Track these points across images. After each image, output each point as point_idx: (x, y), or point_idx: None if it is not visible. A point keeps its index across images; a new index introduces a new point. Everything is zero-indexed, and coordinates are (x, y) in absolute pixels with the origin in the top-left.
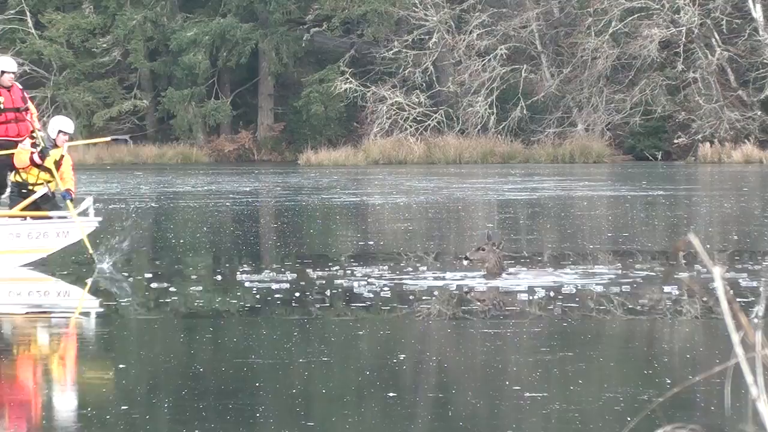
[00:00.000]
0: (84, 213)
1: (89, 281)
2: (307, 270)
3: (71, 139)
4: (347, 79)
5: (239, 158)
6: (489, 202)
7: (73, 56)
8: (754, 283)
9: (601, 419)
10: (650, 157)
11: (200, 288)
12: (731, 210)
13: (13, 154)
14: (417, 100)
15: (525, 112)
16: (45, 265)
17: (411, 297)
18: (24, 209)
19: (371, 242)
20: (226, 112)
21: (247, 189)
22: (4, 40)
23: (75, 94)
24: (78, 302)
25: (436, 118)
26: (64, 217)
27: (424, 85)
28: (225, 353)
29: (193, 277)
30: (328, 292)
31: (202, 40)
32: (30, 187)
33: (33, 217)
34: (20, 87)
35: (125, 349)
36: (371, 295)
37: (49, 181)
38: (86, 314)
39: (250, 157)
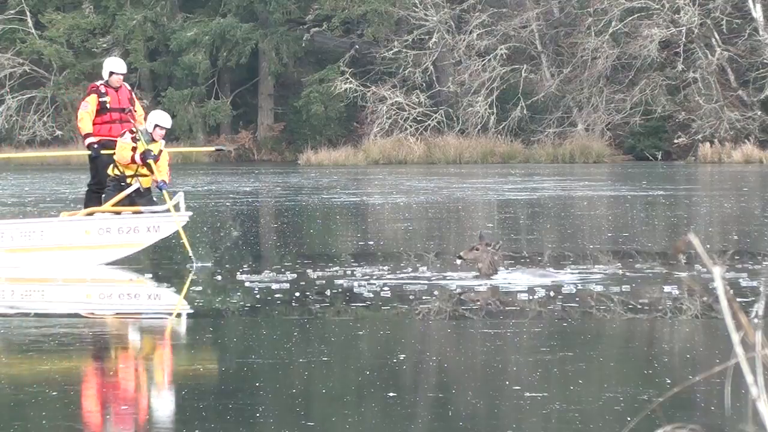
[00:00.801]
0: (175, 208)
1: (187, 278)
2: (307, 270)
3: (166, 134)
4: (347, 79)
5: (239, 158)
6: (489, 202)
7: (73, 56)
8: (754, 283)
9: (601, 419)
10: (650, 157)
11: (200, 288)
12: (731, 210)
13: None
14: (417, 100)
15: (525, 112)
16: (137, 264)
17: (411, 297)
18: (116, 204)
19: (371, 242)
20: (226, 112)
21: (248, 189)
22: (4, 40)
23: (75, 94)
24: (173, 301)
25: (436, 118)
26: (157, 212)
27: (424, 85)
28: (225, 353)
29: (193, 277)
30: (328, 292)
31: (202, 40)
32: (128, 180)
33: (118, 213)
34: (129, 88)
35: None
36: (371, 295)
37: (145, 176)
38: (179, 315)
39: (250, 157)
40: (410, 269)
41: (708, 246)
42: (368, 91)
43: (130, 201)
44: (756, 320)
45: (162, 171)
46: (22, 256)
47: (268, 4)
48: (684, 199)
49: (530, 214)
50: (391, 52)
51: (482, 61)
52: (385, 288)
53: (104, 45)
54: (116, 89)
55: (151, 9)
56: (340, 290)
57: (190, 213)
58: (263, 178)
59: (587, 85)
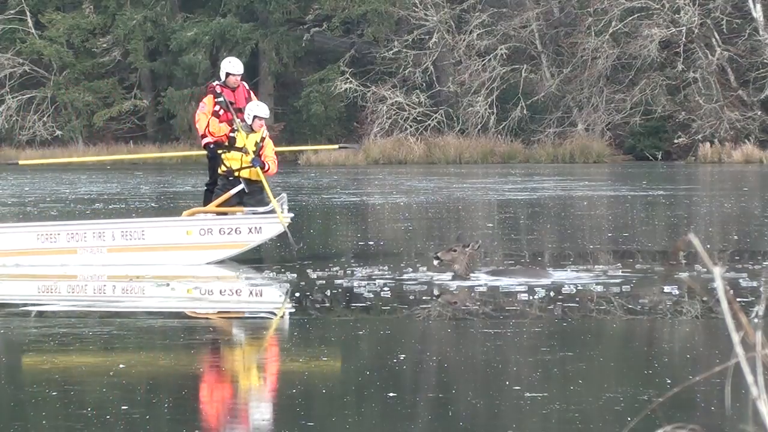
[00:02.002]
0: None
1: (288, 277)
2: (307, 270)
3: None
4: (347, 79)
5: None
6: (489, 202)
7: (73, 56)
8: (754, 283)
9: (601, 419)
10: (650, 157)
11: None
12: (731, 210)
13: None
14: (417, 100)
15: (525, 112)
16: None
17: (411, 297)
18: (220, 205)
19: (371, 242)
20: None
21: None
22: (4, 40)
23: (75, 94)
24: (275, 301)
25: (436, 118)
26: (259, 213)
27: (424, 85)
28: (225, 353)
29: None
30: (328, 292)
31: (202, 40)
32: (236, 174)
33: (223, 213)
34: (247, 87)
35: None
36: (371, 295)
37: (249, 166)
38: (280, 314)
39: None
40: (410, 269)
41: (708, 246)
42: (368, 91)
43: (238, 200)
44: (756, 320)
45: (268, 158)
46: (123, 255)
47: (268, 4)
48: (684, 199)
49: (530, 214)
50: (391, 52)
51: (482, 61)
52: (385, 288)
53: (104, 45)
54: (233, 89)
55: (151, 9)
56: (340, 290)
57: (292, 215)
58: None
59: (587, 85)
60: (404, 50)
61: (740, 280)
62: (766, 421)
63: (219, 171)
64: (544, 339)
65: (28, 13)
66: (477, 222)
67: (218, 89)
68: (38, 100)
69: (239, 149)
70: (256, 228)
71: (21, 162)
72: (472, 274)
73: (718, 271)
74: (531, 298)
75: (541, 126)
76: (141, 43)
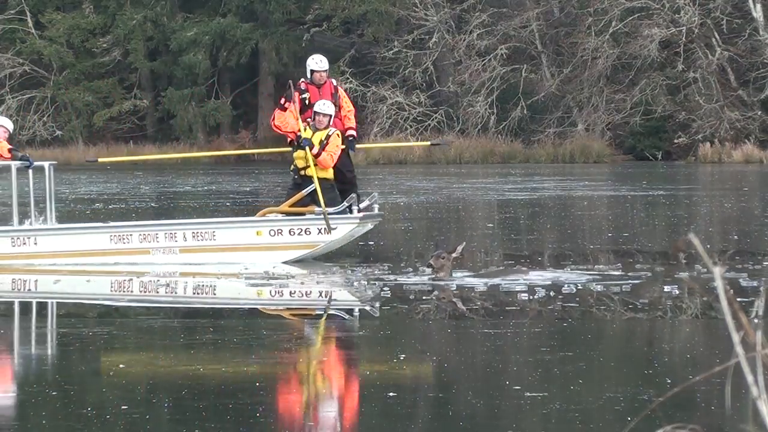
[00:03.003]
0: (368, 208)
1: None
2: (306, 270)
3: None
4: (347, 79)
5: (239, 158)
6: (489, 202)
7: (73, 56)
8: (754, 283)
9: (601, 419)
10: (650, 157)
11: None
12: (731, 210)
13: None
14: (417, 100)
15: (525, 112)
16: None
17: (411, 297)
18: (293, 205)
19: (371, 242)
20: (226, 112)
21: (248, 189)
22: (4, 40)
23: (75, 94)
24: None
25: (436, 118)
26: (330, 214)
27: (424, 85)
28: (225, 353)
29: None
30: (327, 292)
31: (202, 40)
32: (301, 172)
33: (294, 213)
34: (335, 84)
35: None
36: (371, 295)
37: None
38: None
39: (250, 156)
40: (410, 269)
41: (708, 246)
42: (368, 91)
43: (311, 200)
44: (756, 320)
45: (326, 152)
46: (195, 256)
47: (268, 4)
48: (684, 199)
49: (530, 214)
50: (391, 52)
51: (482, 61)
52: (385, 288)
53: (104, 45)
54: (319, 86)
55: (151, 9)
56: (339, 290)
57: (383, 213)
58: (263, 178)
59: (587, 85)
60: (404, 50)
61: (740, 280)
62: (766, 421)
63: (290, 169)
64: (544, 339)
65: (28, 13)
66: (477, 222)
67: (302, 86)
68: (38, 100)
69: (299, 145)
70: (325, 229)
71: (100, 160)
72: (452, 277)
73: (718, 271)
74: (531, 298)
75: (541, 126)
76: (141, 43)
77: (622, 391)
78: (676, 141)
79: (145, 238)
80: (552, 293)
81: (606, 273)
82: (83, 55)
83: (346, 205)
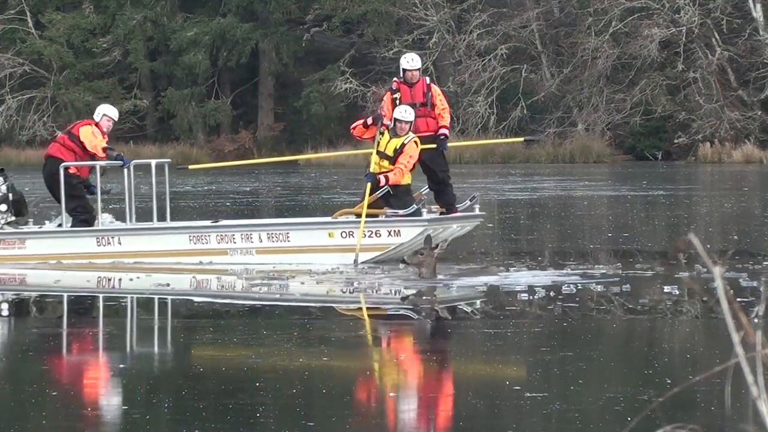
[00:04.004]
0: (469, 209)
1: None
2: (306, 270)
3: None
4: (347, 79)
5: (239, 158)
6: (489, 202)
7: (73, 56)
8: (754, 283)
9: (601, 419)
10: (650, 157)
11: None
12: (731, 210)
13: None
14: None
15: (525, 111)
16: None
17: (411, 297)
18: (369, 206)
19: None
20: (226, 112)
21: (248, 189)
22: (4, 40)
23: (75, 94)
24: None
25: None
26: (399, 215)
27: None
28: (225, 353)
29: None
30: (327, 292)
31: (202, 40)
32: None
33: (371, 215)
34: (428, 82)
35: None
36: (371, 295)
37: (389, 170)
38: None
39: (250, 157)
40: (410, 269)
41: (708, 246)
42: (368, 91)
43: (385, 203)
44: (756, 320)
45: (397, 168)
46: (271, 257)
47: (268, 4)
48: (684, 199)
49: (530, 214)
50: (391, 52)
51: (482, 61)
52: (385, 288)
53: (104, 45)
54: (411, 85)
55: (151, 9)
56: (339, 290)
57: (484, 213)
58: (263, 178)
59: (587, 85)
60: (404, 50)
61: (740, 280)
62: (766, 421)
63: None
64: (544, 339)
65: (28, 13)
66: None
67: (394, 85)
68: (38, 100)
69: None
70: (395, 231)
71: (191, 167)
72: (438, 276)
73: (718, 271)
74: (531, 298)
75: (541, 126)
76: (141, 43)
77: (622, 391)
78: (676, 141)
79: (222, 239)
80: (552, 293)
81: (606, 273)
82: (83, 55)
83: (415, 207)
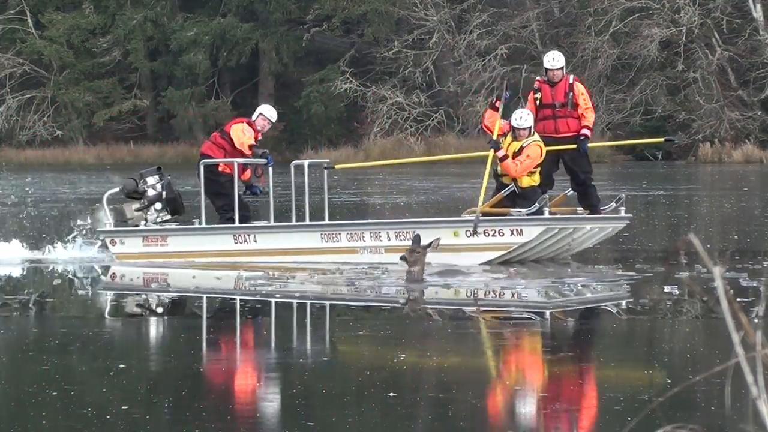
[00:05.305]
0: (615, 210)
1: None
2: (306, 270)
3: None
4: (347, 79)
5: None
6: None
7: (73, 56)
8: (754, 283)
9: (601, 419)
10: (650, 157)
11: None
12: (731, 210)
13: (557, 150)
14: (417, 100)
15: None
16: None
17: (411, 296)
18: (493, 206)
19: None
20: (227, 111)
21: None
22: (4, 40)
23: (75, 94)
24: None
25: (436, 117)
26: (522, 214)
27: (425, 85)
28: (225, 353)
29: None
30: (327, 292)
31: (202, 40)
32: (501, 179)
33: (494, 214)
34: (570, 81)
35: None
36: (372, 295)
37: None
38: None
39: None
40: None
41: (708, 246)
42: (368, 91)
43: (511, 202)
44: (756, 320)
45: (517, 160)
46: (396, 256)
47: (268, 4)
48: (684, 199)
49: None
50: (391, 52)
51: (482, 61)
52: (385, 288)
53: (104, 45)
54: (553, 84)
55: (151, 9)
56: (339, 290)
57: (631, 216)
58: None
59: (587, 85)
60: (404, 50)
61: (740, 280)
62: (766, 421)
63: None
64: (544, 339)
65: (28, 13)
66: None
67: (536, 84)
68: (38, 100)
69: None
70: (517, 230)
71: (337, 166)
72: (426, 276)
73: (718, 271)
74: (531, 298)
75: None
76: (141, 43)
77: (622, 391)
78: (676, 141)
79: (352, 237)
80: (553, 293)
81: (606, 273)
82: (83, 55)
83: (537, 206)
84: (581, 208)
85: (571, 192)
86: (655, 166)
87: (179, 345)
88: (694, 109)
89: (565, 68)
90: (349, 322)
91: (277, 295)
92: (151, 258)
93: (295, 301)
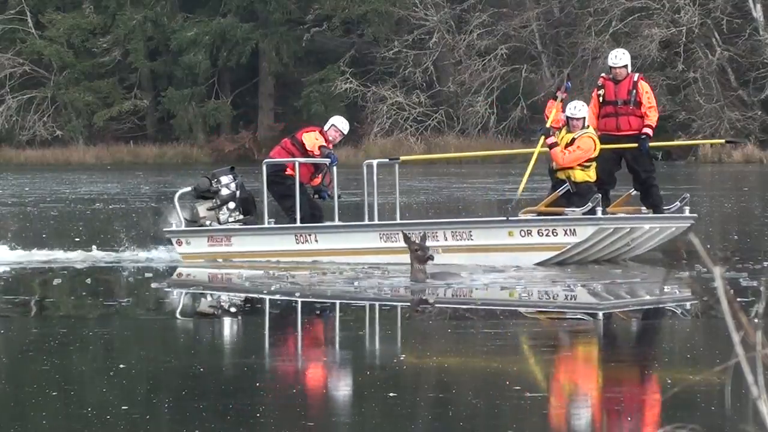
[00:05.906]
0: (679, 210)
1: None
2: (306, 270)
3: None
4: (347, 79)
5: (240, 158)
6: (489, 202)
7: (73, 56)
8: (754, 283)
9: (601, 419)
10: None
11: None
12: (731, 210)
13: (617, 148)
14: (417, 100)
15: (525, 112)
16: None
17: (411, 297)
18: (548, 205)
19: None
20: (227, 112)
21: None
22: (4, 40)
23: (75, 94)
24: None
25: (436, 118)
26: (575, 214)
27: (425, 85)
28: (225, 353)
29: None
30: (328, 292)
31: (203, 40)
32: (556, 174)
33: (550, 214)
34: (635, 80)
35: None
36: (372, 295)
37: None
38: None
39: (250, 157)
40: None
41: (708, 246)
42: (368, 91)
43: (566, 201)
44: (756, 320)
45: (567, 149)
46: (455, 256)
47: (268, 4)
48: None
49: None
50: (391, 52)
51: (482, 61)
52: (385, 288)
53: (104, 45)
54: (617, 82)
55: (151, 9)
56: (339, 290)
57: (696, 216)
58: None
59: (587, 85)
60: (404, 50)
61: (740, 280)
62: (766, 421)
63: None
64: (544, 339)
65: (28, 13)
66: None
67: (600, 81)
68: (38, 100)
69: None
70: (570, 230)
71: (402, 158)
72: (427, 279)
73: (718, 271)
74: (531, 298)
75: (542, 126)
76: (141, 43)
77: (623, 391)
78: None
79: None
80: (552, 294)
81: (606, 273)
82: (83, 55)
83: (591, 206)
84: (645, 208)
85: (635, 192)
86: (654, 165)
87: (179, 345)
88: (694, 109)
89: (629, 66)
90: (420, 324)
91: (277, 295)
92: (216, 257)
93: (293, 301)
